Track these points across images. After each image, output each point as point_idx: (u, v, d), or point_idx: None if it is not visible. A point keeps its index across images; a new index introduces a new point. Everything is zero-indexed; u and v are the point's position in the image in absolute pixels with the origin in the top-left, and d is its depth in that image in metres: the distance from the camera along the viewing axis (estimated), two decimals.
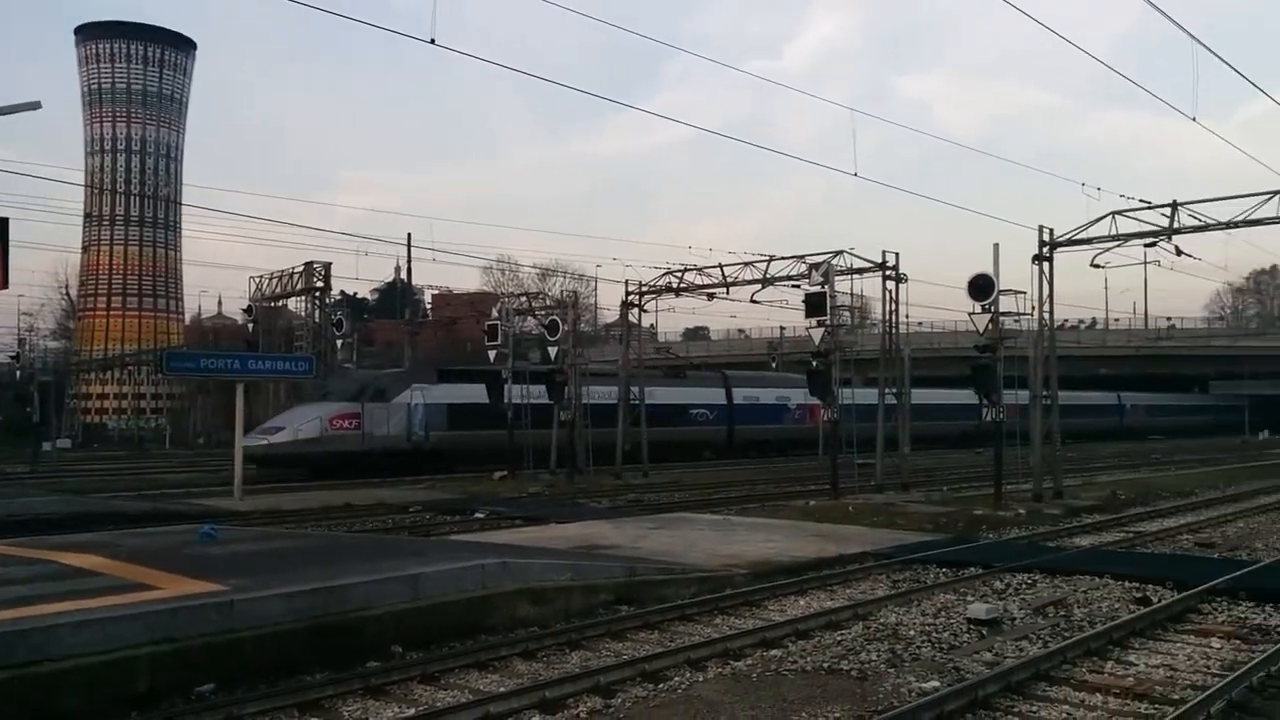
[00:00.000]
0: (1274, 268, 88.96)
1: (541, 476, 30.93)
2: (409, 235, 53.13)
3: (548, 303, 38.61)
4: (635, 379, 34.06)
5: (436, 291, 64.75)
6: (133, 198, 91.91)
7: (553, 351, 31.29)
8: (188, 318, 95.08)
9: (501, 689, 8.29)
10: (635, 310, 33.90)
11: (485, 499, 24.24)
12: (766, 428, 44.45)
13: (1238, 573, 12.92)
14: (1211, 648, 9.80)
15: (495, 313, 32.68)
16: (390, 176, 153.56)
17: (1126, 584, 12.74)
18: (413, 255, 45.56)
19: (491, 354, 31.79)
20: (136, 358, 70.68)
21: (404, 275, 49.96)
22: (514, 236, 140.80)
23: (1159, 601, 11.64)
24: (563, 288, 73.73)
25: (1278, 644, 9.45)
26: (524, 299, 38.47)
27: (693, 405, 43.65)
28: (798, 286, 29.23)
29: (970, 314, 22.01)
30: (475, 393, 32.25)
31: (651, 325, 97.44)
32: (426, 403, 33.58)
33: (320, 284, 39.94)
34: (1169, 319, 76.67)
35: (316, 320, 39.85)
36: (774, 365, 56.01)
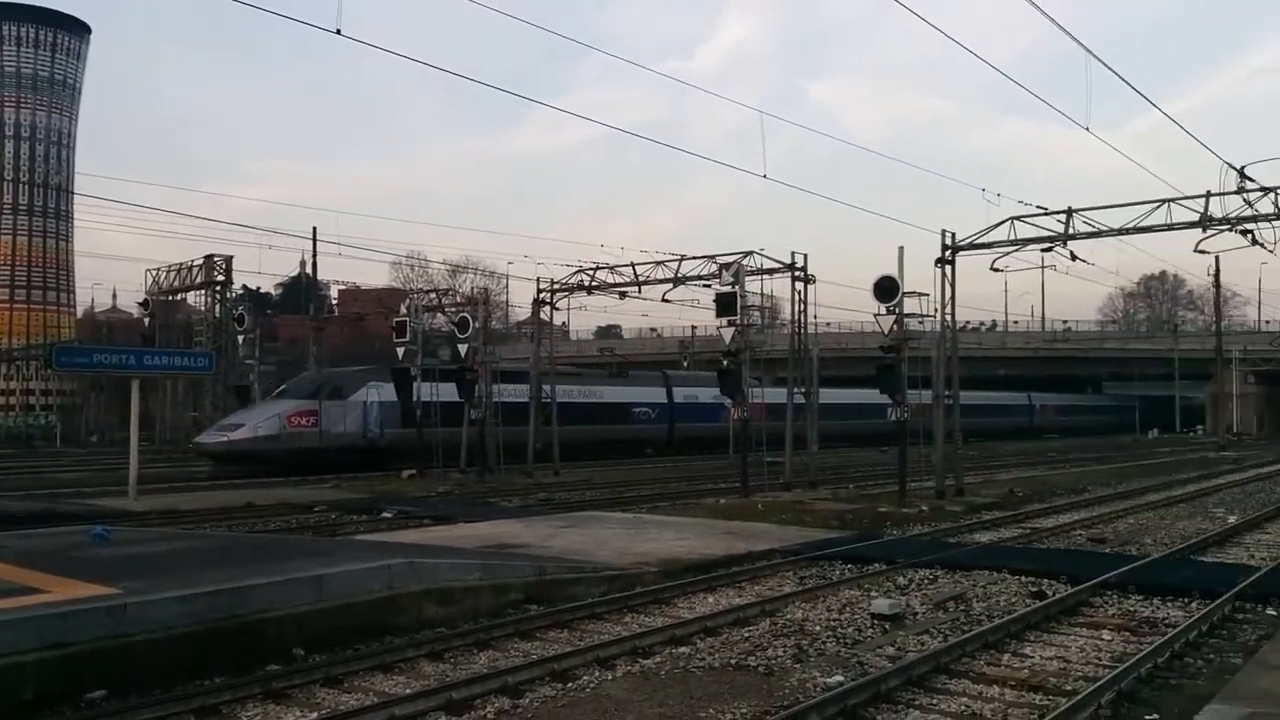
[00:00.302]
0: (1163, 273, 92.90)
1: (451, 476, 30.70)
2: (314, 229, 51.97)
3: (458, 300, 38.24)
4: (570, 377, 34.31)
5: (343, 287, 63.65)
6: (21, 186, 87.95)
7: (463, 349, 31.02)
8: (80, 311, 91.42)
9: (407, 691, 8.18)
10: (547, 308, 33.83)
11: (393, 498, 23.99)
12: (705, 425, 45.64)
13: (1128, 567, 13.46)
14: (1103, 640, 10.17)
15: (404, 309, 32.17)
16: (295, 168, 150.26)
17: (1023, 579, 13.16)
18: (319, 249, 44.70)
19: (400, 351, 31.35)
20: (25, 352, 67.73)
21: (309, 270, 48.90)
22: (424, 232, 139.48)
23: (1053, 595, 12.04)
24: (474, 285, 73.06)
25: (1165, 636, 9.86)
26: (434, 296, 37.98)
27: (635, 404, 44.66)
28: (709, 286, 29.51)
29: (876, 315, 22.49)
30: (429, 391, 32.68)
31: (563, 323, 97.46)
32: (381, 400, 34.22)
33: (221, 278, 38.86)
34: (1065, 322, 79.76)
35: (217, 315, 38.77)
36: (685, 364, 56.47)
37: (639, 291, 31.97)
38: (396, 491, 26.24)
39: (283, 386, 33.91)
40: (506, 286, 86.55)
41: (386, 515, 20.65)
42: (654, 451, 43.54)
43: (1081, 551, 16.26)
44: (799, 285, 27.63)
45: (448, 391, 31.18)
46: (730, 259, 26.54)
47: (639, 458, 41.22)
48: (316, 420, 33.06)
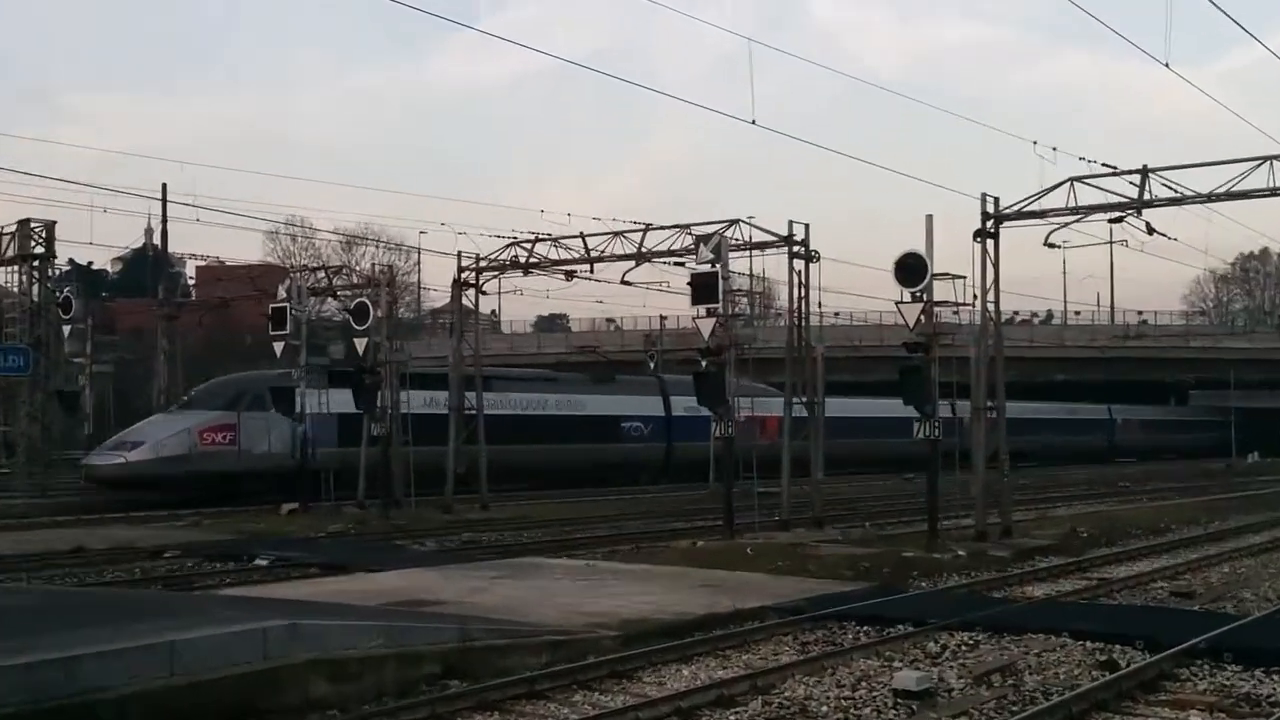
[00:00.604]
0: (1264, 251, 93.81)
1: (346, 510, 30.74)
2: (164, 186, 51.50)
3: (355, 280, 38.04)
4: (536, 383, 34.30)
5: (203, 263, 62.84)
6: None
7: (361, 344, 30.86)
8: None
9: None
10: (471, 291, 33.74)
11: (269, 540, 23.98)
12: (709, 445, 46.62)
13: (1222, 629, 13.60)
14: None
15: (283, 292, 31.97)
16: (135, 106, 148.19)
17: (1088, 644, 13.28)
18: (169, 213, 44.36)
19: (278, 347, 31.14)
20: None
21: (157, 240, 48.45)
22: (309, 191, 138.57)
23: (1128, 665, 12.17)
24: (375, 260, 72.94)
25: (1272, 718, 9.99)
26: (323, 274, 37.79)
27: (626, 417, 44.47)
28: (681, 264, 29.59)
29: (898, 303, 22.64)
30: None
31: (492, 312, 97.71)
32: (312, 412, 34.64)
33: (40, 249, 38.29)
34: (1140, 313, 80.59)
35: (35, 298, 38.25)
36: (652, 365, 56.62)
37: (591, 271, 32.04)
38: (273, 531, 26.20)
39: (190, 393, 34.47)
40: (418, 264, 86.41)
41: (261, 563, 20.68)
42: (648, 479, 43.84)
43: (1163, 609, 16.43)
44: (798, 263, 27.75)
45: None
46: (710, 229, 26.61)
47: (629, 486, 41.40)
48: (235, 436, 33.71)
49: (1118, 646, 13.08)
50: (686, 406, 46.22)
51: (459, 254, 33.42)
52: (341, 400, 32.60)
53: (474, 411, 33.70)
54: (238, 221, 73.54)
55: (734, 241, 26.99)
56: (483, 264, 33.14)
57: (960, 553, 21.38)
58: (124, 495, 31.62)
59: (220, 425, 33.96)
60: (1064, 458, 65.65)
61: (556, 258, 32.11)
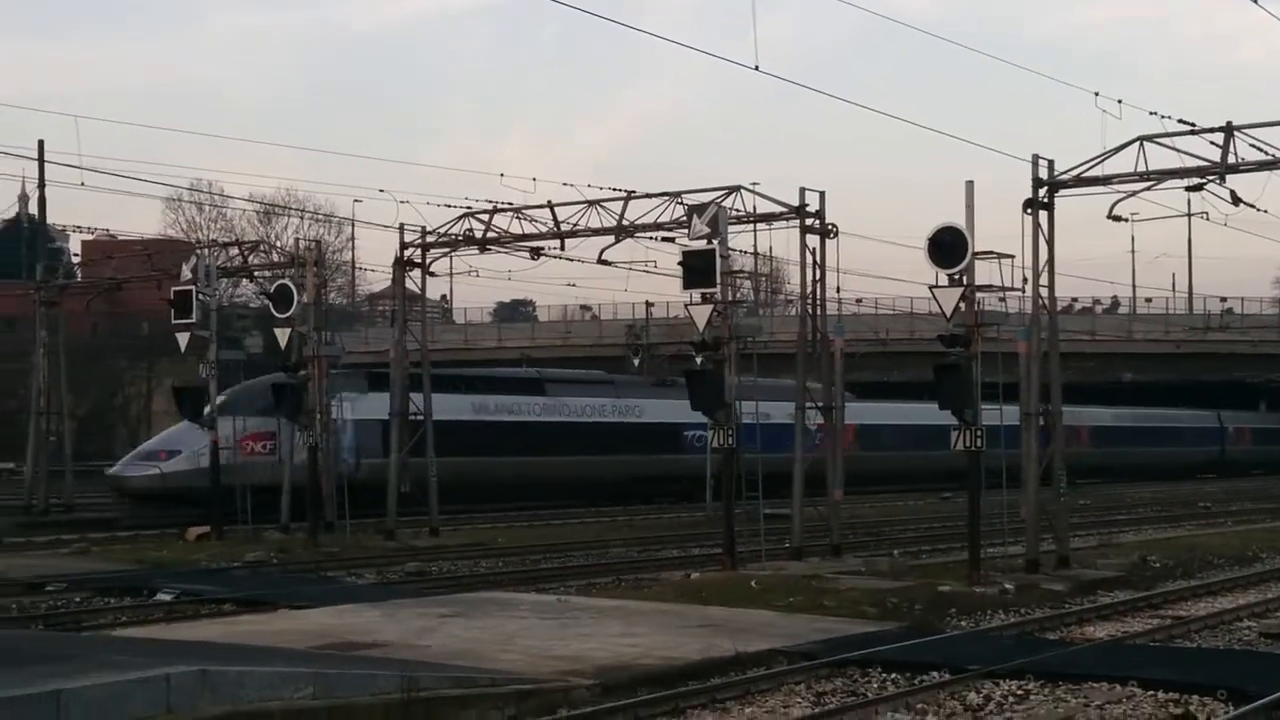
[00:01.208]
0: None
1: (267, 535, 30.78)
2: (40, 144, 50.94)
3: (276, 258, 37.95)
4: (587, 385, 34.61)
5: (90, 237, 62.70)
6: None
7: (283, 335, 30.79)
8: None
9: None
10: (417, 272, 33.66)
11: (174, 571, 23.99)
12: (775, 456, 48.77)
13: None
14: None
15: (187, 272, 31.90)
16: (4, 45, 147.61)
17: (1160, 694, 13.36)
18: (48, 176, 44.12)
19: (182, 339, 31.10)
20: None
21: (33, 209, 48.27)
22: (218, 150, 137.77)
23: None
24: (300, 235, 72.80)
25: None
26: (236, 251, 37.69)
27: (688, 425, 46.14)
28: (671, 240, 29.57)
29: (933, 288, 22.65)
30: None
31: (444, 297, 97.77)
32: (357, 419, 37.88)
33: None
34: (1224, 299, 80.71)
35: None
36: (636, 362, 56.70)
37: (562, 248, 31.93)
38: (178, 560, 26.23)
39: (222, 396, 35.25)
40: (352, 239, 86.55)
41: (164, 597, 20.67)
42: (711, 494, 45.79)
43: (1251, 652, 16.53)
44: (812, 239, 27.75)
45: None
46: (705, 198, 26.59)
47: (687, 502, 43.55)
48: (275, 445, 35.50)
49: (1196, 698, 13.17)
50: (747, 411, 48.04)
51: (401, 227, 33.28)
52: (384, 405, 35.23)
53: (534, 419, 34.42)
54: (133, 187, 73.40)
55: (734, 213, 26.97)
56: (430, 239, 32.98)
57: (1008, 586, 21.45)
58: (149, 510, 33.48)
59: (261, 434, 36.02)
60: (1166, 473, 67.65)
61: (519, 232, 31.93)
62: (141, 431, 77.62)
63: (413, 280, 34.11)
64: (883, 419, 54.47)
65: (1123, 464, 68.42)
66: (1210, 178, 24.37)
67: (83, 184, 35.99)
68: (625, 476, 45.13)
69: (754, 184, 28.10)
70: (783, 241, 29.19)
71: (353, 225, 75.93)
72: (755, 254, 30.51)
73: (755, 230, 28.33)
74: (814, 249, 27.68)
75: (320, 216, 79.06)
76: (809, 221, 27.47)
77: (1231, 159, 23.97)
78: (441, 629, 16.16)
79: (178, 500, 34.44)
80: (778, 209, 28.03)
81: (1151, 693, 13.44)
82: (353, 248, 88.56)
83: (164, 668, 10.73)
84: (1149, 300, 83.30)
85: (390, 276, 36.33)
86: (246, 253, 37.38)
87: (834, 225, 27.69)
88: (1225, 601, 21.35)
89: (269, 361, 32.37)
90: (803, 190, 27.48)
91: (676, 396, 47.89)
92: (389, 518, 31.96)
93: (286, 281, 31.55)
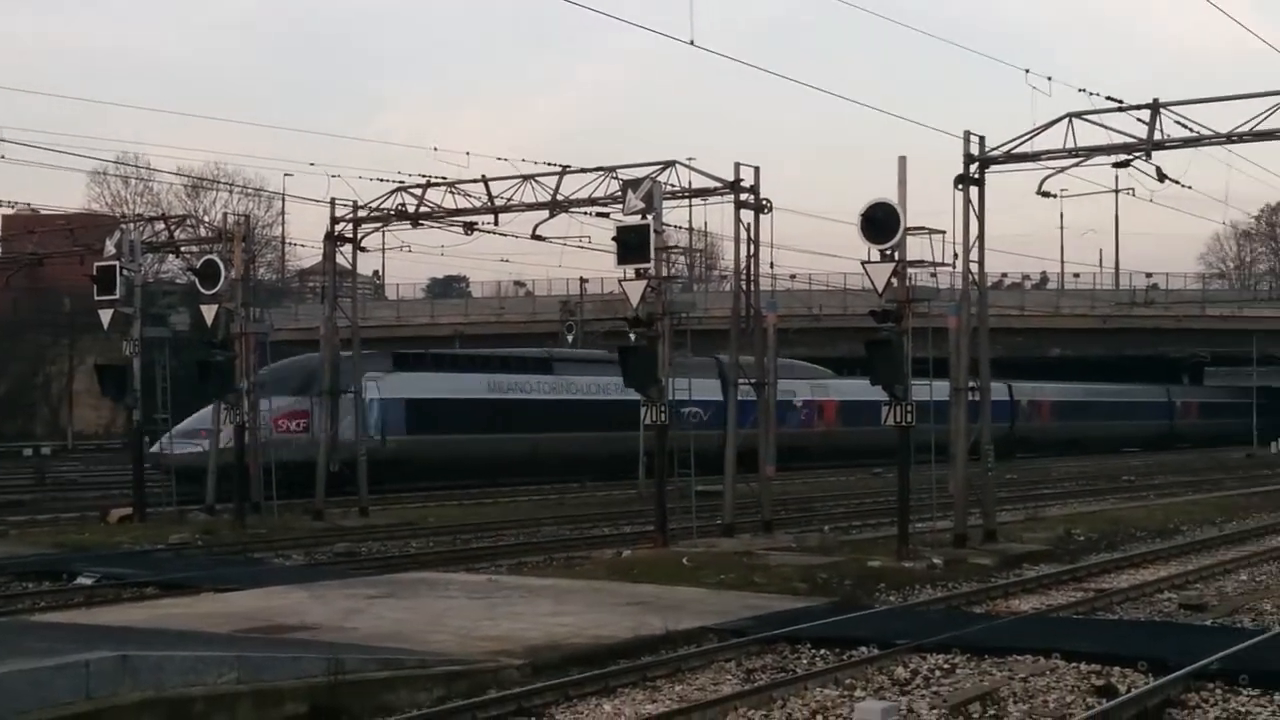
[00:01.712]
0: None
1: (192, 517, 30.50)
2: None
3: (203, 233, 37.49)
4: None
5: (10, 211, 61.70)
6: None
7: (209, 312, 30.45)
8: None
9: None
10: (348, 247, 33.46)
11: (95, 554, 23.73)
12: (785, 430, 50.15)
13: (1238, 646, 13.88)
14: None
15: (111, 247, 31.44)
16: None
17: (1083, 666, 13.49)
18: None
19: (105, 316, 30.70)
20: None
21: None
22: (145, 123, 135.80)
23: (1128, 691, 12.38)
24: (228, 209, 72.09)
25: None
26: (162, 226, 37.23)
27: (684, 404, 46.40)
28: (606, 215, 29.54)
29: (865, 263, 22.77)
30: (445, 384, 39.84)
31: (376, 272, 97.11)
32: (383, 398, 40.53)
33: None
34: (1149, 275, 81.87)
35: None
36: (570, 337, 56.66)
37: (496, 223, 31.84)
38: (100, 543, 25.96)
39: (258, 373, 36.39)
40: (282, 213, 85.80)
41: (84, 581, 20.43)
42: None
43: (1171, 624, 16.76)
44: (746, 214, 27.80)
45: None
46: (640, 173, 26.57)
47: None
48: (309, 424, 37.40)
49: (1117, 669, 13.30)
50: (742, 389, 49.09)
51: (332, 201, 33.09)
52: (409, 385, 38.51)
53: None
54: (55, 159, 72.18)
55: (670, 188, 26.96)
56: (362, 213, 32.78)
57: (936, 561, 21.64)
58: (190, 489, 33.56)
59: (295, 412, 38.09)
60: (1122, 446, 71.63)
61: (453, 206, 31.83)
62: (63, 412, 76.64)
63: (344, 256, 34.13)
64: (866, 395, 55.32)
65: (1084, 438, 70.24)
66: (1137, 154, 24.59)
67: (3, 157, 35.44)
68: (608, 454, 44.95)
69: (689, 159, 28.17)
70: (718, 217, 29.23)
71: (283, 200, 75.29)
72: (690, 229, 30.57)
73: (690, 206, 28.36)
74: (748, 224, 27.77)
75: (250, 191, 78.36)
76: (743, 197, 27.58)
77: (1158, 135, 24.19)
78: (370, 610, 16.07)
79: (219, 474, 34.62)
80: (713, 184, 28.09)
81: (1074, 665, 13.57)
82: (283, 222, 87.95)
83: (84, 654, 10.59)
84: (1077, 276, 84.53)
85: (321, 252, 36.06)
86: (173, 227, 36.90)
87: (768, 200, 27.82)
88: (1147, 574, 21.62)
89: (195, 339, 31.89)
90: (737, 165, 27.57)
91: (674, 374, 48.62)
92: (317, 497, 31.76)
93: (214, 257, 31.15)
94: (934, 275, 24.10)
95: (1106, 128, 24.51)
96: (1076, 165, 25.11)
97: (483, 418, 42.86)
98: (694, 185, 28.19)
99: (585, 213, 30.61)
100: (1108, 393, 75.98)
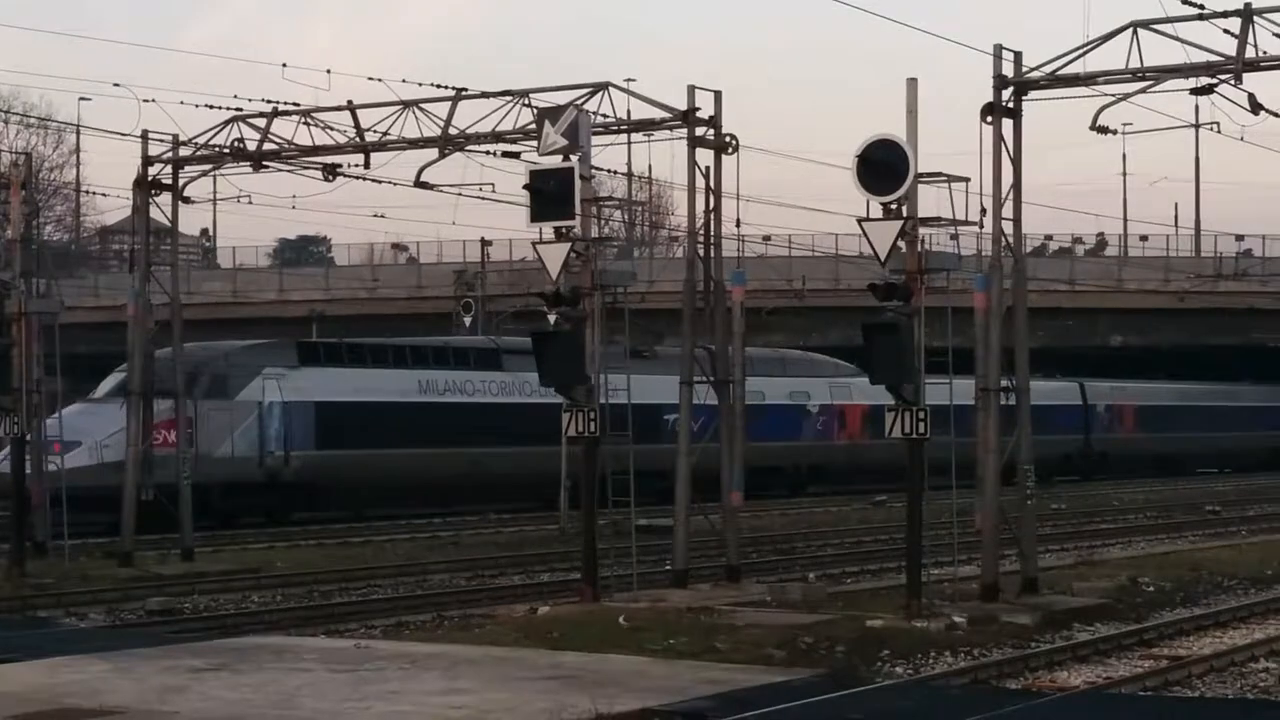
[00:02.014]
0: None
1: None
2: None
3: None
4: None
5: None
6: None
7: None
8: None
9: None
10: (167, 197, 33.22)
11: None
12: (775, 445, 50.65)
13: None
14: None
15: None
16: None
17: None
18: None
19: None
20: None
21: None
22: None
23: None
24: (6, 145, 71.49)
25: None
26: None
27: (669, 408, 46.70)
28: (516, 156, 29.43)
29: (862, 221, 22.73)
30: (366, 384, 41.07)
31: (205, 231, 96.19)
32: (286, 401, 40.38)
33: None
34: (1240, 239, 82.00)
35: None
36: (465, 320, 56.60)
37: (367, 165, 31.72)
38: None
39: (118, 373, 36.83)
40: (77, 151, 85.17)
41: None
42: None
43: (1269, 703, 16.84)
44: (705, 155, 27.74)
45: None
46: (562, 99, 26.49)
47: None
48: (189, 435, 37.21)
49: None
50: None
51: (145, 134, 32.88)
52: (320, 384, 39.04)
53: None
54: None
55: (601, 119, 26.89)
56: (184, 151, 32.64)
57: (957, 619, 21.63)
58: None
59: (168, 422, 36.84)
60: (1226, 464, 73.35)
61: (309, 143, 31.67)
62: None
63: (160, 208, 33.71)
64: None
65: (1181, 453, 70.95)
66: (1223, 76, 24.63)
67: None
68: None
69: (628, 80, 28.04)
70: (667, 158, 29.19)
71: (78, 133, 74.77)
72: (630, 175, 30.47)
73: (630, 142, 28.34)
74: (707, 168, 27.68)
75: (34, 121, 77.64)
76: (700, 131, 27.43)
77: (1251, 53, 24.23)
78: (195, 688, 15.97)
79: (75, 502, 33.48)
80: (659, 114, 28.00)
81: None
82: (77, 164, 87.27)
83: None
84: (1144, 239, 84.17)
85: (129, 203, 35.84)
86: None
87: (733, 136, 27.73)
88: (1237, 637, 21.70)
89: None
90: (692, 89, 27.36)
91: (661, 370, 48.74)
92: (124, 537, 31.41)
93: None
94: (955, 238, 24.14)
95: (1183, 41, 24.55)
96: (1143, 91, 25.14)
97: (414, 428, 43.28)
98: (634, 116, 28.13)
99: (488, 151, 30.46)
100: (1212, 395, 76.20)
